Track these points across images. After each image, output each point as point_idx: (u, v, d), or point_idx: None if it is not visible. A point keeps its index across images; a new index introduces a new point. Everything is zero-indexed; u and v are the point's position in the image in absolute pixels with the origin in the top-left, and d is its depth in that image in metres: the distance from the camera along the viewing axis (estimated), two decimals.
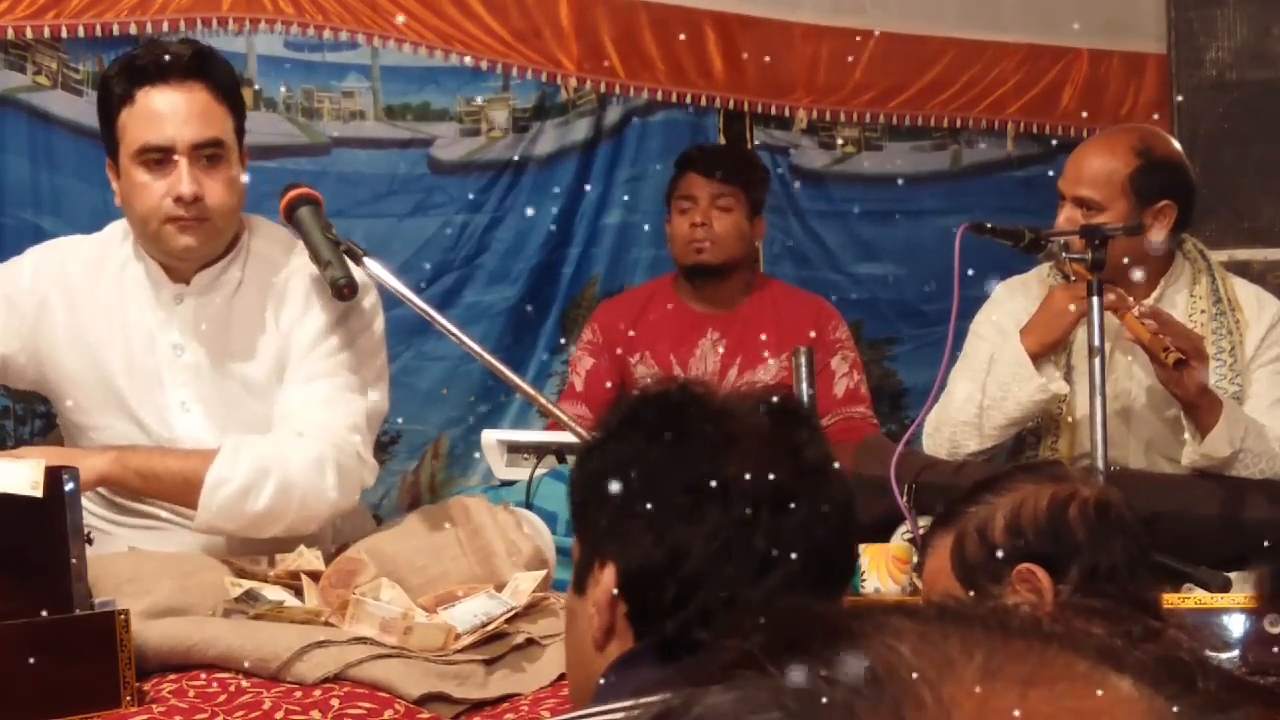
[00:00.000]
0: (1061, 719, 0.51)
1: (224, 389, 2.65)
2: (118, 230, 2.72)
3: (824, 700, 0.51)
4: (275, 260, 2.68)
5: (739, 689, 0.53)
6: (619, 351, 3.98)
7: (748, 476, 1.39)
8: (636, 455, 1.43)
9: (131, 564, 2.45)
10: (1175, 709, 0.52)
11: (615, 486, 1.43)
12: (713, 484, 1.39)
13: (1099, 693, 0.52)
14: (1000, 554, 1.92)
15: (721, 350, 3.96)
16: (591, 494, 1.46)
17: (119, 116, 2.61)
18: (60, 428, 2.81)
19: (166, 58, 2.59)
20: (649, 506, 1.40)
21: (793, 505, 1.40)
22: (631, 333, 3.99)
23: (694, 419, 1.44)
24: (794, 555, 1.38)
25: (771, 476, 1.40)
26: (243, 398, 2.65)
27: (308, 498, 2.52)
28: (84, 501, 2.36)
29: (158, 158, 2.58)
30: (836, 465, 1.47)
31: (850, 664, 0.52)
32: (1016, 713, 0.50)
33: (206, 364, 2.65)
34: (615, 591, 1.42)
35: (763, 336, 3.93)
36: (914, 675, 0.51)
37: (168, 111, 2.58)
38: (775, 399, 1.47)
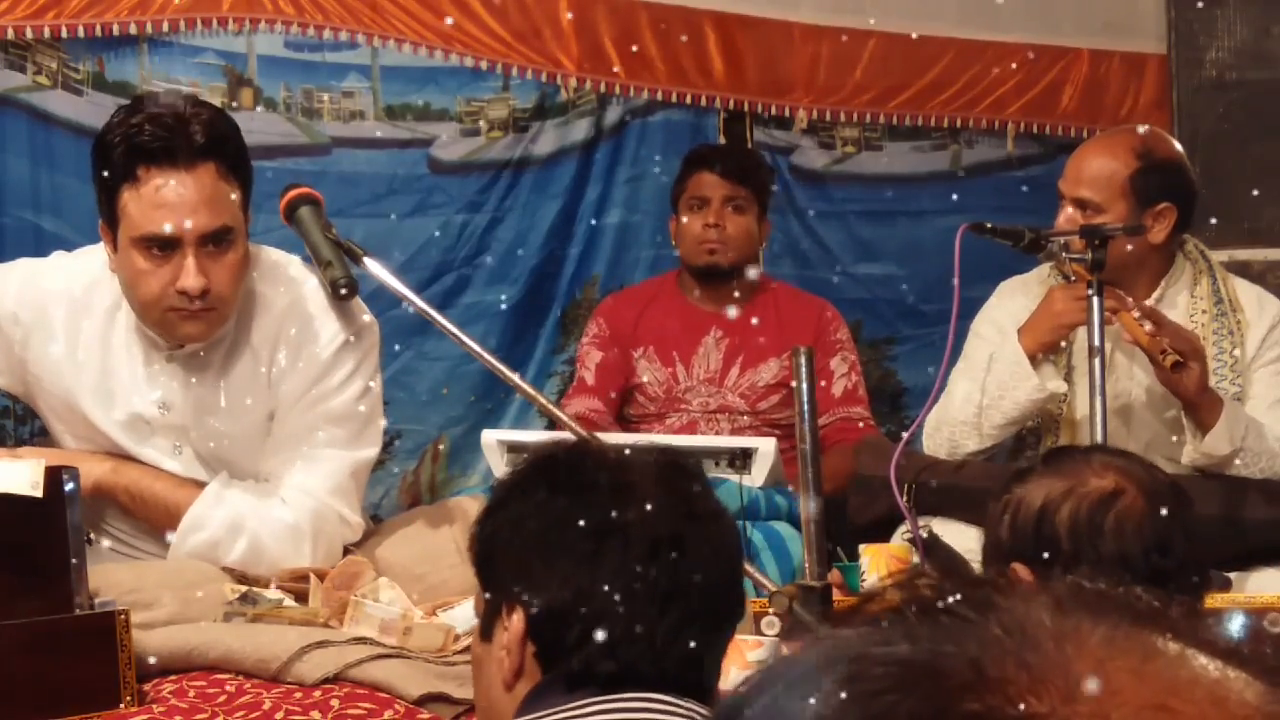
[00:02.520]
0: (1168, 700, 0.53)
1: (212, 442, 2.61)
2: (107, 266, 2.59)
3: (950, 637, 0.54)
4: (274, 301, 2.59)
5: (870, 624, 0.57)
6: (625, 345, 3.97)
7: (645, 521, 1.52)
8: (541, 506, 1.56)
9: (133, 575, 2.45)
10: None
11: (523, 535, 1.56)
12: (613, 529, 1.52)
13: (1221, 690, 0.54)
14: (1001, 548, 1.95)
15: (724, 349, 3.95)
16: (497, 546, 1.59)
17: (120, 193, 2.45)
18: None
19: (174, 135, 2.41)
20: (555, 552, 1.53)
21: (686, 549, 1.53)
22: (636, 328, 3.98)
23: (593, 470, 1.56)
24: (688, 593, 1.51)
25: (667, 522, 1.53)
26: (232, 449, 2.61)
27: (278, 561, 2.53)
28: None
29: (161, 243, 2.45)
30: (725, 514, 1.61)
31: (982, 614, 0.56)
32: (1131, 679, 0.53)
33: (193, 420, 2.59)
34: (524, 633, 1.54)
35: (763, 338, 3.93)
36: (1041, 627, 0.55)
37: (174, 200, 2.42)
38: (665, 456, 1.61)
